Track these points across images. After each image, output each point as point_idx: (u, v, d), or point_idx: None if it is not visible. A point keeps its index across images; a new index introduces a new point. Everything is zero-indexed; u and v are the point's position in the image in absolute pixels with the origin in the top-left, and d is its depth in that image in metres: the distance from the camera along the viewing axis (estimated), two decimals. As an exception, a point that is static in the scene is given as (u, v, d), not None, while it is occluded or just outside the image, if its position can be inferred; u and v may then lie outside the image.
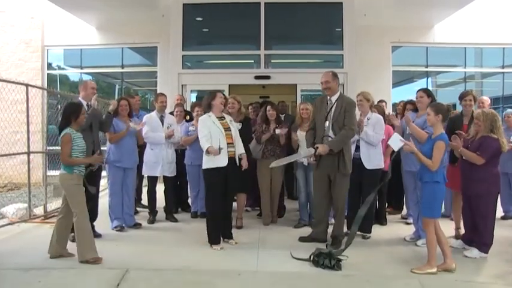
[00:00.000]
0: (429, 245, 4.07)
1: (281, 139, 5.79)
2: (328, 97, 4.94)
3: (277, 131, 5.75)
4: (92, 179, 4.66)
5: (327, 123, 4.86)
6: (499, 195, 4.74)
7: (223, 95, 5.08)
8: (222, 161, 4.77)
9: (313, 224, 5.17)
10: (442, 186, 4.11)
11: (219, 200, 4.84)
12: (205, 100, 5.00)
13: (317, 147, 4.76)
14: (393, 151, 4.59)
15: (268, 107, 5.96)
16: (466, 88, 11.20)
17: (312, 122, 5.18)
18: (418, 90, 5.15)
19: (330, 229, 5.06)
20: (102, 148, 5.40)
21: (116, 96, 10.54)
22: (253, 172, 5.84)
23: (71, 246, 4.40)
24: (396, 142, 4.36)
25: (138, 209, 6.50)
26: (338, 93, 4.96)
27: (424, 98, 4.96)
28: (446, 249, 4.11)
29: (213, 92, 5.04)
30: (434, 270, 4.00)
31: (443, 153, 4.09)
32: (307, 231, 5.26)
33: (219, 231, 4.90)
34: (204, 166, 4.86)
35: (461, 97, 5.45)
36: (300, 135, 5.68)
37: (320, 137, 4.92)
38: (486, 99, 6.43)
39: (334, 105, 4.86)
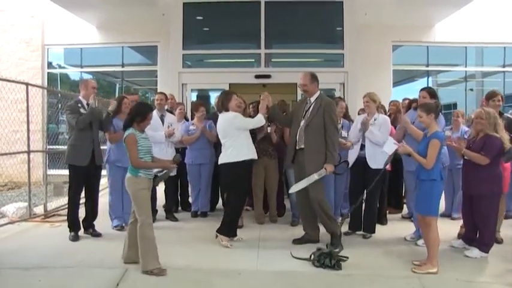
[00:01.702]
0: (432, 244, 4.08)
1: (273, 137, 5.78)
2: (308, 98, 4.98)
3: (268, 129, 5.75)
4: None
5: (302, 122, 4.89)
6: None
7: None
8: (254, 154, 4.95)
9: (303, 227, 5.11)
10: (439, 183, 4.13)
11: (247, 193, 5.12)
12: (220, 101, 4.97)
13: (325, 168, 4.71)
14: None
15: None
16: (467, 87, 11.24)
17: (289, 119, 5.22)
18: (421, 90, 5.08)
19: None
20: (101, 147, 5.40)
21: (117, 95, 10.52)
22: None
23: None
24: (390, 146, 4.35)
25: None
26: (317, 94, 4.96)
27: (427, 99, 4.87)
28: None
29: (228, 92, 5.07)
30: (435, 270, 4.00)
31: (439, 151, 4.07)
32: (300, 227, 5.22)
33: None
34: (241, 158, 4.80)
35: (490, 97, 5.24)
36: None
37: (294, 135, 4.96)
38: None
39: (312, 105, 4.89)
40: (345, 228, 5.09)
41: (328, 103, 4.91)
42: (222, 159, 4.94)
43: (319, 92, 4.99)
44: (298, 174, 4.94)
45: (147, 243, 3.94)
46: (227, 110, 4.93)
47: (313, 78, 4.94)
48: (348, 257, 4.19)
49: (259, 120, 4.98)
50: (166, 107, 6.49)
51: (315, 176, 4.67)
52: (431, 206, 4.11)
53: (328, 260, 4.11)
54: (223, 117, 4.96)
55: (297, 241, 4.95)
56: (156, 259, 3.96)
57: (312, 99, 4.93)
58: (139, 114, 4.07)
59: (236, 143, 4.85)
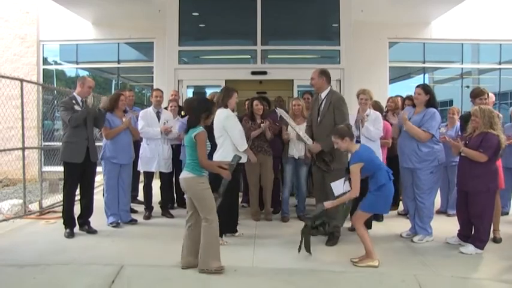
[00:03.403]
0: (365, 239, 4.14)
1: (267, 134, 5.78)
2: (319, 94, 5.00)
3: (262, 125, 5.74)
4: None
5: (318, 118, 4.94)
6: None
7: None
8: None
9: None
10: (388, 185, 4.14)
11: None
12: (221, 97, 4.92)
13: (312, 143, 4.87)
14: None
15: (255, 102, 5.94)
16: (463, 84, 11.26)
17: (308, 119, 5.30)
18: (417, 87, 5.05)
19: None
20: (96, 144, 5.38)
21: (113, 92, 10.48)
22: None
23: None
24: (339, 187, 4.30)
25: (132, 205, 6.34)
26: (327, 90, 4.98)
27: (422, 95, 4.87)
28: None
29: (231, 89, 5.04)
30: (376, 263, 4.06)
31: (361, 173, 4.07)
32: (295, 224, 5.28)
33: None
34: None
35: (476, 95, 5.15)
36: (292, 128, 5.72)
37: (312, 132, 5.04)
38: (491, 96, 6.21)
39: (324, 101, 4.93)
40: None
41: (337, 99, 4.93)
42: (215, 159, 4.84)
43: (329, 88, 5.01)
44: (315, 171, 4.99)
45: (214, 243, 3.89)
46: (226, 106, 4.89)
47: (321, 73, 4.97)
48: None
49: (242, 146, 4.89)
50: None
51: (305, 135, 4.78)
52: (378, 205, 4.24)
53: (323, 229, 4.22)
54: (219, 114, 4.87)
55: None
56: (217, 258, 3.90)
57: (323, 95, 4.97)
58: (207, 110, 4.04)
59: (225, 143, 4.81)
